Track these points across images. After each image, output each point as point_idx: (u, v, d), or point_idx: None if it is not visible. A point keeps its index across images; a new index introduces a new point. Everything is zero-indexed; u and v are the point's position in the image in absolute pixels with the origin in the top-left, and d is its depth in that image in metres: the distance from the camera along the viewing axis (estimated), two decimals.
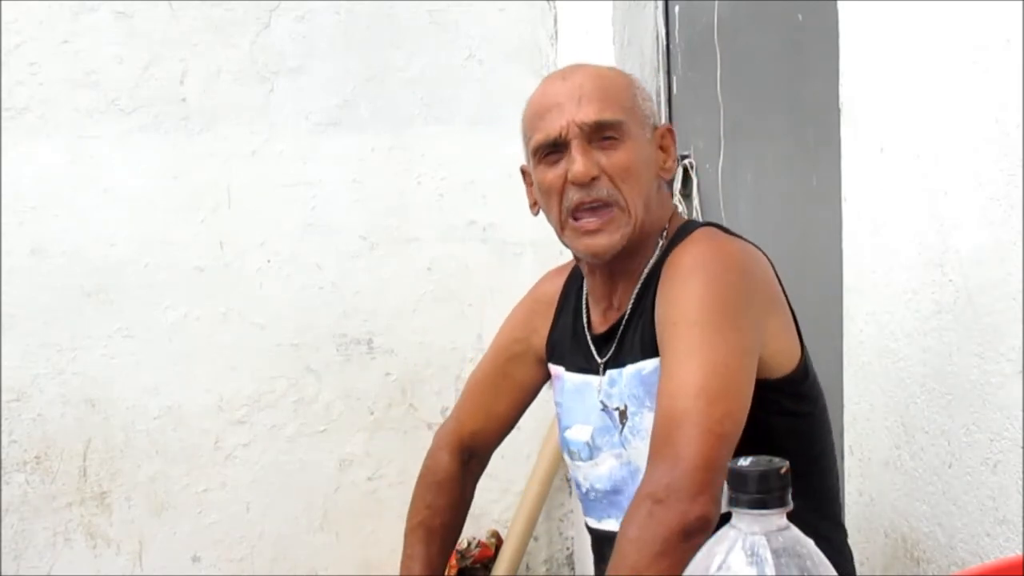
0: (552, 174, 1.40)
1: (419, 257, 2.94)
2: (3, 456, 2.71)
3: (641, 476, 1.35)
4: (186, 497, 2.83)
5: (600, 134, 1.38)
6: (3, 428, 2.71)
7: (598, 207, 1.38)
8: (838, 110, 1.68)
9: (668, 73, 2.50)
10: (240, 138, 2.80)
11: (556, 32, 2.99)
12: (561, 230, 1.43)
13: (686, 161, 2.41)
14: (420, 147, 2.92)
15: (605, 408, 1.42)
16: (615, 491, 1.43)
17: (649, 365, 1.36)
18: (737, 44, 2.19)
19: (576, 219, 1.40)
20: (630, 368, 1.39)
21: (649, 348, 1.37)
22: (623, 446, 1.40)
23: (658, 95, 2.50)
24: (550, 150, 1.40)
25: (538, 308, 1.61)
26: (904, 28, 1.52)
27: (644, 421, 1.37)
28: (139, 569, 2.81)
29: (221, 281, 2.81)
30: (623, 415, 1.40)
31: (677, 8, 2.45)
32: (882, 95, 1.59)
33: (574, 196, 1.38)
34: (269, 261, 2.84)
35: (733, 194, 2.24)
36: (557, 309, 1.58)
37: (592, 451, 1.44)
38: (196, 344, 2.81)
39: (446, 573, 2.88)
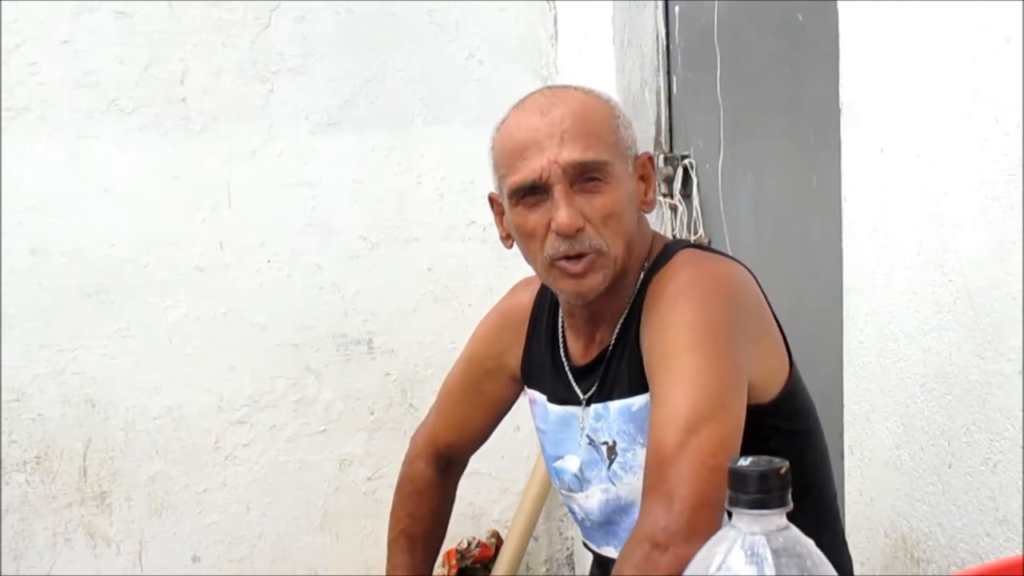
0: (532, 219, 1.33)
1: (419, 257, 2.94)
2: (3, 456, 2.71)
3: (633, 511, 1.34)
4: (186, 497, 2.83)
5: (583, 175, 1.31)
6: (3, 428, 2.70)
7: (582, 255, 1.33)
8: (838, 110, 1.68)
9: (668, 73, 2.50)
10: (240, 138, 2.80)
11: (556, 32, 2.99)
12: (544, 274, 1.37)
13: (686, 161, 2.41)
14: (420, 147, 2.92)
15: (592, 442, 1.40)
16: (609, 522, 1.42)
17: (639, 401, 1.33)
18: (737, 44, 2.19)
19: (558, 264, 1.34)
20: (618, 403, 1.36)
21: (638, 384, 1.33)
22: (611, 481, 1.38)
23: (658, 95, 2.50)
24: (528, 192, 1.32)
25: (509, 325, 1.57)
26: (904, 28, 1.52)
27: (637, 457, 1.34)
28: (139, 569, 2.81)
29: (221, 281, 2.81)
30: (611, 450, 1.37)
31: (677, 8, 2.45)
32: (882, 95, 1.59)
33: (559, 247, 1.31)
34: (269, 261, 2.84)
35: (733, 194, 2.24)
36: (529, 329, 1.54)
37: (582, 483, 1.42)
38: (196, 344, 2.81)
39: (446, 573, 2.91)
